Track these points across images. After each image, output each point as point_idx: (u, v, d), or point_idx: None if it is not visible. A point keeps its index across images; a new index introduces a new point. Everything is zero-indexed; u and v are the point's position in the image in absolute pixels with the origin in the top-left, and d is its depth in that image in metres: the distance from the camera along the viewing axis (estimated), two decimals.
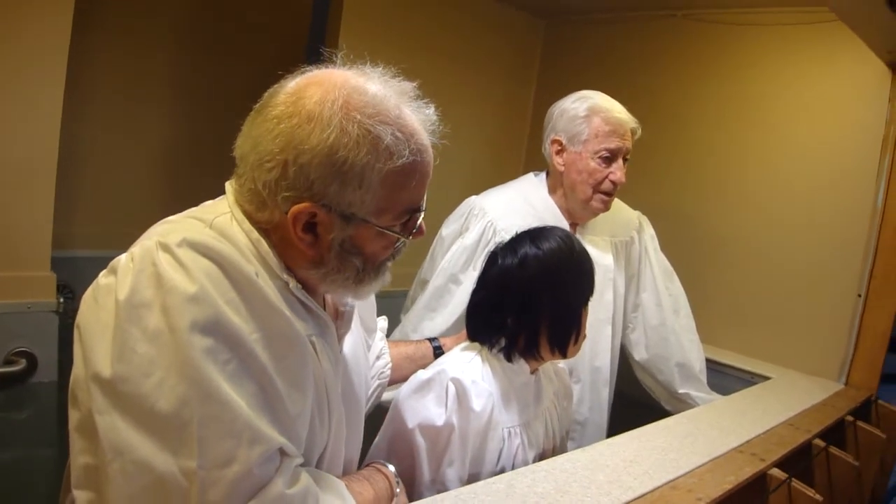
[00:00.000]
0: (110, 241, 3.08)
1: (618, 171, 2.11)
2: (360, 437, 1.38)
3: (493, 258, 1.64)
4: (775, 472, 1.74)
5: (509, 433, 1.57)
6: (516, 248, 1.60)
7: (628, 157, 2.15)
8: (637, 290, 2.43)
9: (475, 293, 1.67)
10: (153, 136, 3.54)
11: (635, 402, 2.58)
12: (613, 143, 2.10)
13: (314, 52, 3.38)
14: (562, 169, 2.16)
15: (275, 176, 1.02)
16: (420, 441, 1.47)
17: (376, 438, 1.57)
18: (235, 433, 0.91)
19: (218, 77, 3.66)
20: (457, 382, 1.49)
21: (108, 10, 3.23)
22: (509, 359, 1.59)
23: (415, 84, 1.13)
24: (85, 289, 1.02)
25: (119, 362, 0.90)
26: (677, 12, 3.27)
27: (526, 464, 1.59)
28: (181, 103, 3.60)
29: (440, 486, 1.46)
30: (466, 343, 1.67)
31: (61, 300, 2.47)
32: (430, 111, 1.13)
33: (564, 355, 1.61)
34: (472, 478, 1.50)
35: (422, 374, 1.54)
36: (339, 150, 1.00)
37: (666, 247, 2.49)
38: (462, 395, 1.48)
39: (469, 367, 1.56)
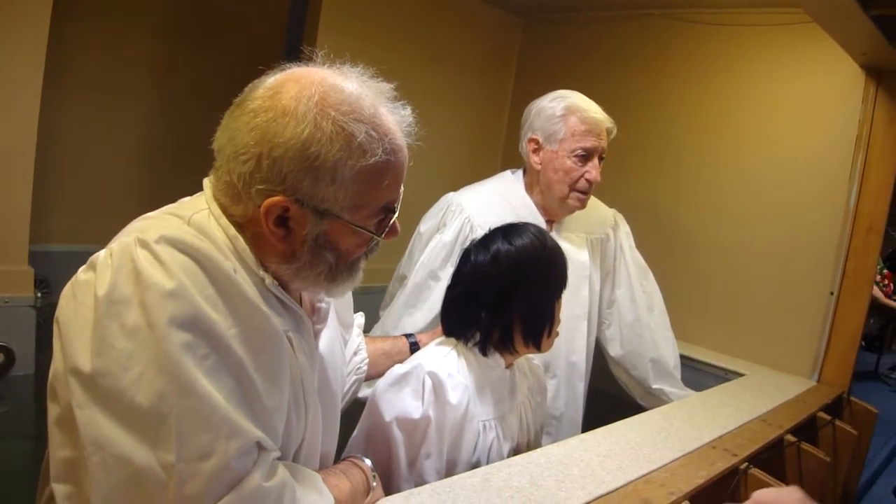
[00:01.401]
0: (88, 236, 3.10)
1: (593, 170, 2.14)
2: (336, 432, 1.39)
3: (466, 255, 1.67)
4: (745, 466, 1.76)
5: (485, 426, 1.58)
6: (489, 245, 1.62)
7: (604, 156, 2.17)
8: (612, 286, 2.45)
9: (450, 289, 1.69)
10: (131, 131, 3.53)
11: (610, 398, 2.60)
12: (589, 143, 2.12)
13: (293, 47, 3.39)
14: (538, 167, 2.18)
15: (249, 168, 1.02)
16: (397, 434, 1.48)
17: (354, 432, 1.58)
18: (213, 427, 0.91)
19: (196, 72, 3.65)
20: (433, 376, 1.51)
21: (86, 6, 3.21)
22: (484, 353, 1.61)
23: (393, 85, 1.14)
24: (62, 283, 1.02)
25: (98, 357, 0.90)
26: (654, 11, 3.30)
27: (501, 456, 1.61)
28: (159, 98, 3.59)
29: (417, 479, 1.47)
30: (442, 338, 1.68)
31: (39, 294, 2.47)
32: (407, 112, 1.14)
33: (539, 348, 1.63)
34: (449, 470, 1.52)
35: (399, 368, 1.56)
36: (313, 144, 1.01)
37: (641, 244, 2.52)
38: (438, 389, 1.50)
39: (445, 360, 1.57)
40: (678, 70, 3.23)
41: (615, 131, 2.19)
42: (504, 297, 1.59)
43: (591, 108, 2.15)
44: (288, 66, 1.11)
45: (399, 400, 1.50)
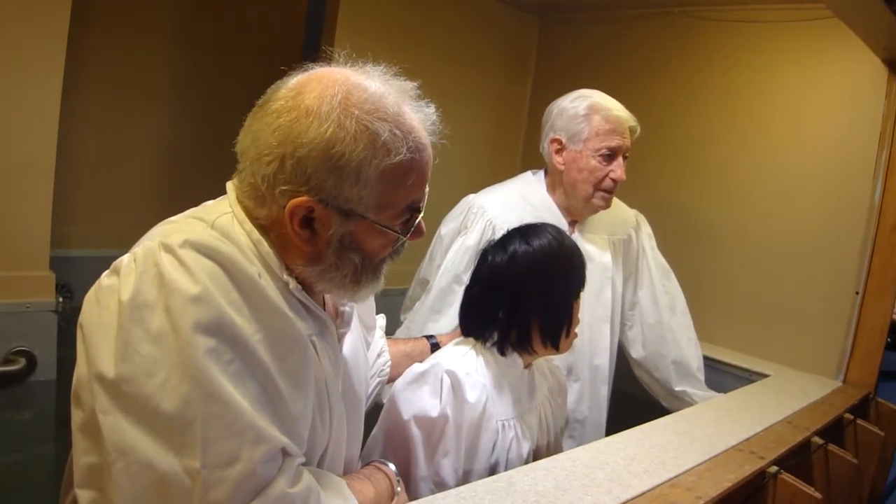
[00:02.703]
0: (108, 241, 3.11)
1: (618, 169, 2.12)
2: (360, 436, 1.38)
3: (484, 255, 1.67)
4: (774, 470, 1.74)
5: (503, 425, 1.58)
6: (506, 245, 1.63)
7: (627, 154, 2.15)
8: (634, 287, 2.43)
9: (468, 289, 1.70)
10: (151, 135, 3.54)
11: (633, 400, 2.58)
12: (614, 142, 2.11)
13: (311, 49, 3.39)
14: (562, 168, 2.16)
15: (273, 170, 1.02)
16: (415, 432, 1.48)
17: (373, 431, 1.58)
18: (238, 433, 0.91)
19: (215, 75, 3.66)
20: (451, 374, 1.51)
21: (105, 10, 3.22)
22: (502, 352, 1.61)
23: (416, 84, 1.13)
24: (83, 288, 1.02)
25: (122, 363, 0.90)
26: (673, 9, 3.27)
27: (520, 456, 1.61)
28: (179, 102, 3.60)
29: (435, 477, 1.47)
30: (461, 338, 1.69)
31: (60, 299, 2.48)
32: (431, 111, 1.13)
33: (557, 349, 1.63)
34: (467, 469, 1.52)
35: (417, 367, 1.56)
36: (336, 144, 1.00)
37: (664, 244, 2.50)
38: (456, 387, 1.50)
39: (463, 359, 1.57)
40: (698, 68, 3.21)
41: (639, 130, 2.18)
42: (521, 297, 1.59)
43: (615, 107, 2.13)
44: (310, 66, 1.11)
45: (417, 398, 1.51)
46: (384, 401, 1.67)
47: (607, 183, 2.13)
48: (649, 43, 3.41)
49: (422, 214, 1.15)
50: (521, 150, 4.06)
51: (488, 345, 1.62)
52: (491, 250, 1.66)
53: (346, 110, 1.01)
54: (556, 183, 2.22)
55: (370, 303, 1.53)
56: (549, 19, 3.98)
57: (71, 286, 2.94)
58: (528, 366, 1.67)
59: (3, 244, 2.34)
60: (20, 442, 2.39)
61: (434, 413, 1.48)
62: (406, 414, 1.50)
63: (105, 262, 1.01)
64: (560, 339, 1.62)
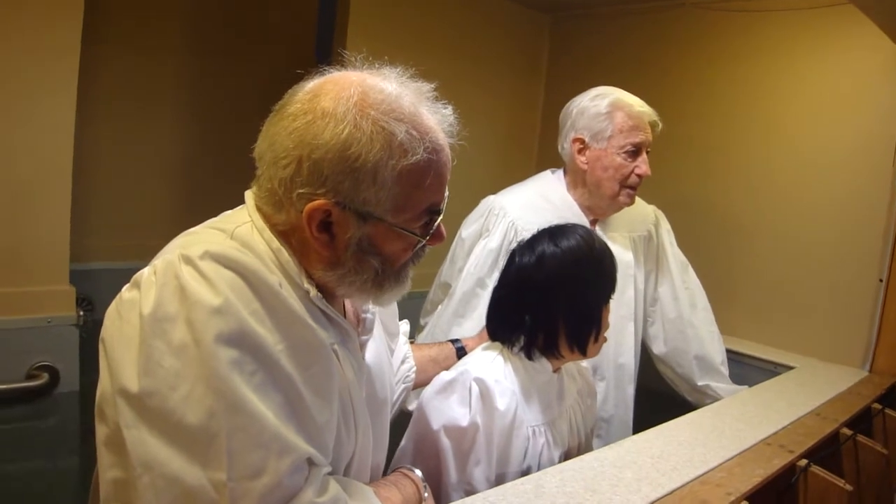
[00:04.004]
0: (128, 253, 3.13)
1: (643, 165, 2.12)
2: (386, 443, 1.38)
3: (512, 256, 1.64)
4: (804, 463, 1.72)
5: (534, 432, 1.56)
6: (535, 247, 1.59)
7: (649, 149, 2.15)
8: (655, 284, 2.42)
9: (495, 291, 1.67)
10: (166, 145, 3.56)
11: (658, 396, 2.57)
12: (638, 137, 2.10)
13: (323, 55, 3.39)
14: (585, 167, 2.15)
15: (290, 173, 1.01)
16: (445, 442, 1.47)
17: (402, 441, 1.57)
18: (264, 444, 0.91)
19: (229, 85, 3.68)
20: (480, 382, 1.49)
21: (117, 21, 3.25)
22: (530, 357, 1.58)
23: (433, 85, 1.12)
24: (104, 300, 1.01)
25: (145, 376, 0.90)
26: (685, 1, 3.25)
27: (551, 461, 1.59)
28: (194, 112, 3.62)
29: (467, 487, 1.46)
30: (488, 343, 1.66)
31: (81, 313, 2.48)
32: (448, 111, 1.12)
33: (584, 354, 1.59)
34: (499, 477, 1.49)
35: (445, 376, 1.54)
36: (353, 145, 0.99)
37: (683, 237, 2.48)
38: (486, 395, 1.48)
39: (491, 366, 1.55)
40: (713, 60, 3.19)
41: (660, 125, 2.17)
42: (548, 300, 1.56)
43: (637, 103, 2.13)
44: (327, 69, 1.10)
45: (446, 407, 1.49)
46: (410, 407, 1.66)
47: (633, 179, 2.12)
48: (662, 36, 3.39)
49: (441, 217, 1.14)
50: (537, 149, 4.05)
51: (515, 349, 1.59)
52: (519, 251, 1.62)
53: (362, 111, 1.01)
54: (577, 182, 2.21)
55: (393, 309, 1.52)
56: (560, 16, 3.96)
57: (91, 299, 2.95)
58: (556, 370, 1.65)
59: (23, 260, 2.35)
60: (45, 454, 2.40)
61: (464, 422, 1.46)
62: (435, 424, 1.48)
63: (125, 274, 1.01)
64: (588, 344, 1.58)
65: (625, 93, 2.15)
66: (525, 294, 1.58)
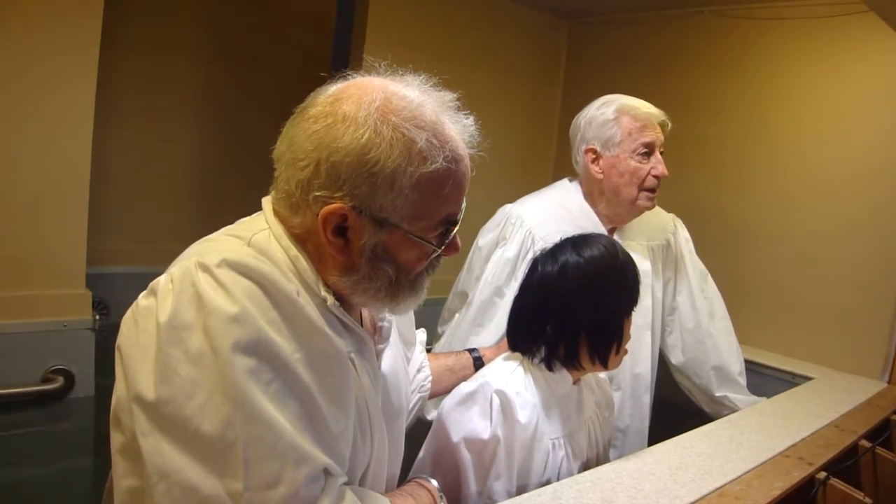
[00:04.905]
0: (144, 257, 3.14)
1: (658, 165, 2.11)
2: (402, 453, 1.37)
3: (534, 265, 1.61)
4: (823, 475, 1.71)
5: (554, 444, 1.54)
6: (557, 256, 1.56)
7: (663, 150, 2.14)
8: (673, 293, 2.41)
9: (516, 301, 1.65)
10: (184, 150, 3.58)
11: (675, 407, 2.55)
12: (648, 137, 2.09)
13: (341, 60, 3.40)
14: (601, 176, 2.14)
15: (307, 175, 1.01)
16: (465, 455, 1.45)
17: (420, 453, 1.56)
18: (280, 454, 0.90)
19: (246, 91, 3.70)
20: (501, 394, 1.47)
21: (134, 27, 3.27)
22: (550, 368, 1.56)
23: (455, 95, 1.11)
24: (120, 305, 1.02)
25: (162, 384, 0.89)
26: (704, 8, 3.25)
27: (571, 475, 1.56)
28: (211, 117, 3.64)
29: (487, 501, 1.44)
30: (508, 353, 1.64)
31: (97, 317, 2.49)
32: (469, 122, 1.11)
33: (605, 366, 1.56)
34: (519, 490, 1.47)
35: (465, 387, 1.52)
36: (371, 150, 0.99)
37: (701, 246, 2.47)
38: (507, 407, 1.46)
39: (512, 378, 1.53)
40: (731, 67, 3.18)
41: (670, 124, 2.16)
42: (570, 311, 1.53)
43: (642, 105, 2.12)
44: (350, 74, 1.10)
45: (467, 420, 1.47)
46: (427, 416, 1.65)
47: (650, 181, 2.11)
48: (680, 43, 3.39)
49: (457, 228, 1.13)
50: (554, 155, 4.05)
51: (536, 361, 1.56)
52: (541, 260, 1.60)
53: (383, 117, 1.00)
54: (593, 192, 2.20)
55: (409, 318, 1.51)
56: (577, 22, 3.97)
57: (107, 303, 2.97)
58: (576, 381, 1.62)
59: (40, 263, 2.36)
60: (59, 457, 2.41)
61: (485, 435, 1.44)
62: (455, 436, 1.46)
63: (141, 279, 1.01)
64: (609, 356, 1.55)
65: (629, 97, 2.14)
66: (547, 304, 1.55)
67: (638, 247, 2.25)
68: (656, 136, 2.11)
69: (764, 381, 2.71)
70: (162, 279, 0.98)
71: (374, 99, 1.01)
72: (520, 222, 2.15)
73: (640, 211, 2.17)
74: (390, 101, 1.02)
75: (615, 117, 2.10)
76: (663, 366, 2.45)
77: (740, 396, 2.36)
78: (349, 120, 1.00)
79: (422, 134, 1.01)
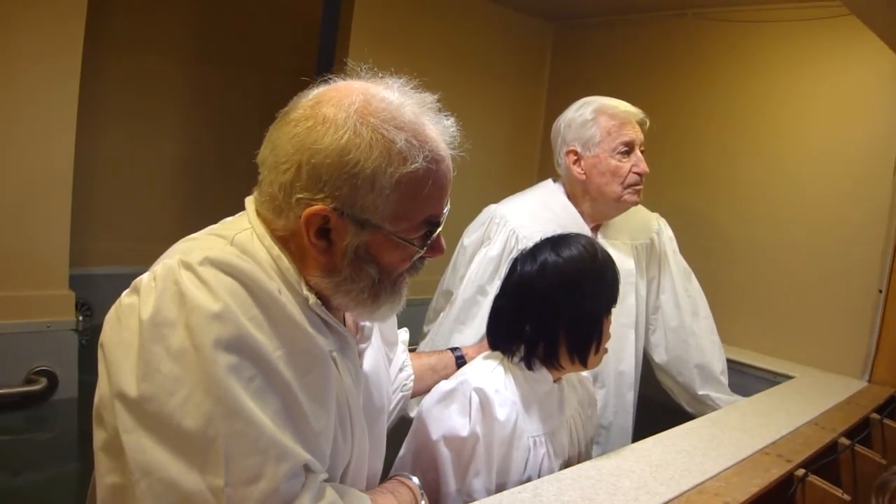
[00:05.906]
0: (128, 258, 3.14)
1: (640, 163, 2.14)
2: (383, 451, 1.37)
3: (514, 265, 1.62)
4: (802, 472, 1.72)
5: (535, 442, 1.55)
6: (536, 255, 1.57)
7: (643, 148, 2.16)
8: (657, 292, 2.42)
9: (496, 300, 1.66)
10: (168, 151, 3.57)
11: (658, 405, 2.56)
12: (627, 136, 2.12)
13: (326, 63, 3.40)
14: (583, 177, 2.16)
15: (289, 178, 1.02)
16: (445, 452, 1.46)
17: (401, 450, 1.56)
18: (261, 450, 0.91)
19: (231, 94, 3.70)
20: (480, 392, 1.47)
21: (119, 27, 3.26)
22: (530, 367, 1.56)
23: (436, 96, 1.12)
24: (104, 305, 1.02)
25: (144, 381, 0.90)
26: (688, 11, 3.27)
27: (552, 472, 1.57)
28: (195, 118, 3.63)
29: (466, 498, 1.45)
30: (488, 352, 1.65)
31: (80, 318, 2.48)
32: (450, 123, 1.12)
33: (585, 365, 1.57)
34: (499, 488, 1.48)
35: (444, 385, 1.53)
36: (351, 151, 0.99)
37: (683, 246, 2.48)
38: (486, 405, 1.47)
39: (492, 376, 1.54)
40: (713, 69, 3.21)
41: (648, 122, 2.19)
42: (549, 310, 1.54)
43: (619, 104, 2.15)
44: (332, 78, 1.11)
45: (446, 417, 1.48)
46: (410, 414, 1.65)
47: (632, 178, 2.13)
48: (663, 45, 3.41)
49: (440, 229, 1.13)
50: (539, 157, 4.06)
51: (515, 359, 1.57)
52: (521, 259, 1.60)
53: (362, 118, 1.01)
54: (577, 192, 2.21)
55: (392, 318, 1.52)
56: (562, 24, 3.98)
57: (91, 303, 2.96)
58: (557, 380, 1.63)
59: (23, 264, 2.35)
60: (43, 460, 2.40)
61: (464, 432, 1.45)
62: (435, 434, 1.47)
63: (125, 279, 1.01)
64: (588, 355, 1.56)
65: (607, 98, 2.17)
66: (526, 303, 1.56)
67: (622, 246, 2.26)
68: (635, 134, 2.13)
69: (746, 380, 2.73)
70: (145, 277, 0.99)
71: (353, 101, 1.02)
72: (504, 222, 2.17)
73: (627, 206, 2.19)
74: (370, 103, 1.03)
75: (593, 117, 2.13)
76: (646, 364, 2.46)
77: (722, 396, 2.38)
78: (329, 122, 1.00)
79: (401, 134, 1.02)
